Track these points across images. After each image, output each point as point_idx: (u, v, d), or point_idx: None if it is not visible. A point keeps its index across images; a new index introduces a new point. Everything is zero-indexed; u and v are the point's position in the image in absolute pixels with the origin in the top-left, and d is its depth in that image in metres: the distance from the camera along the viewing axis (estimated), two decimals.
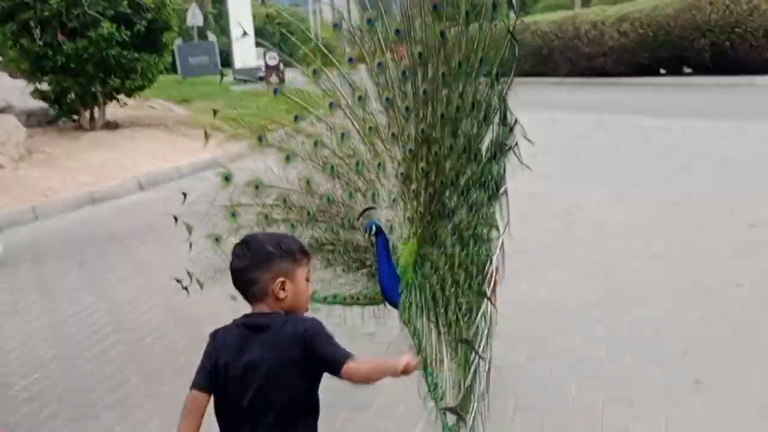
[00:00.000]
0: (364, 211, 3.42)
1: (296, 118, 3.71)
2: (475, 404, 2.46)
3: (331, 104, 3.66)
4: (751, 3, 16.71)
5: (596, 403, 3.09)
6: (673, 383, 3.22)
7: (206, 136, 4.00)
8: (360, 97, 3.58)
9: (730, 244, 5.10)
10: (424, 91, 3.32)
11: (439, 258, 3.21)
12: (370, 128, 3.57)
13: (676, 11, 18.08)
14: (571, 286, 4.53)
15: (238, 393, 1.84)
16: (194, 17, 23.36)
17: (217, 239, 3.97)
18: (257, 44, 24.27)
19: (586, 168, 8.41)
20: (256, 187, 3.79)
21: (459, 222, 3.15)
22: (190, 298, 4.77)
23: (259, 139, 3.73)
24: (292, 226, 3.80)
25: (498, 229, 2.82)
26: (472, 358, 2.55)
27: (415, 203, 3.48)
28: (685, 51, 18.52)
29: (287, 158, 3.73)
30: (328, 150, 3.68)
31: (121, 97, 12.98)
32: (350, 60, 3.63)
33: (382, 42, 3.51)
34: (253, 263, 1.92)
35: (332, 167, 3.67)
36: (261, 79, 23.38)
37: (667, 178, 7.29)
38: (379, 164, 3.59)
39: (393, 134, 3.51)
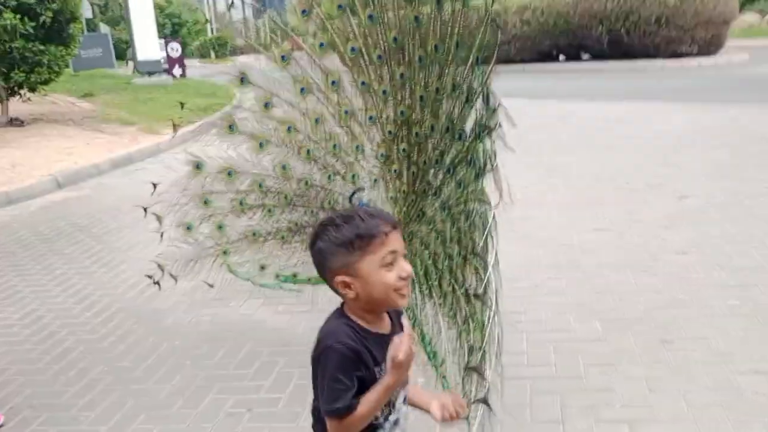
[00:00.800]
0: (354, 192, 3.46)
1: (266, 104, 3.71)
2: (493, 362, 2.60)
3: (302, 90, 3.65)
4: None
5: (578, 368, 3.27)
6: (643, 344, 3.45)
7: (174, 127, 3.93)
8: (334, 82, 3.58)
9: (665, 215, 5.45)
10: (401, 75, 3.39)
11: (429, 234, 3.34)
12: (346, 112, 3.59)
13: (575, 1, 18.89)
14: (529, 261, 4.70)
15: None
16: (83, 8, 22.22)
17: (189, 227, 3.97)
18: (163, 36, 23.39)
19: (515, 150, 8.69)
20: (229, 174, 3.80)
21: (447, 198, 3.27)
22: (144, 293, 4.65)
23: (230, 127, 3.72)
24: (269, 211, 3.83)
25: (489, 204, 2.98)
26: (487, 319, 2.74)
27: (397, 183, 3.55)
28: (583, 38, 19.40)
29: (261, 145, 3.73)
30: (303, 135, 3.69)
31: (24, 91, 12.27)
32: (321, 45, 3.60)
33: (355, 27, 3.55)
34: (315, 265, 1.69)
35: (308, 151, 3.68)
36: (166, 71, 22.71)
37: (596, 158, 7.66)
38: (358, 147, 3.62)
39: (371, 117, 3.56)
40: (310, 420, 1.72)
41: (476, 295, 2.87)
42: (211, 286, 4.17)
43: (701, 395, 2.96)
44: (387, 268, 1.59)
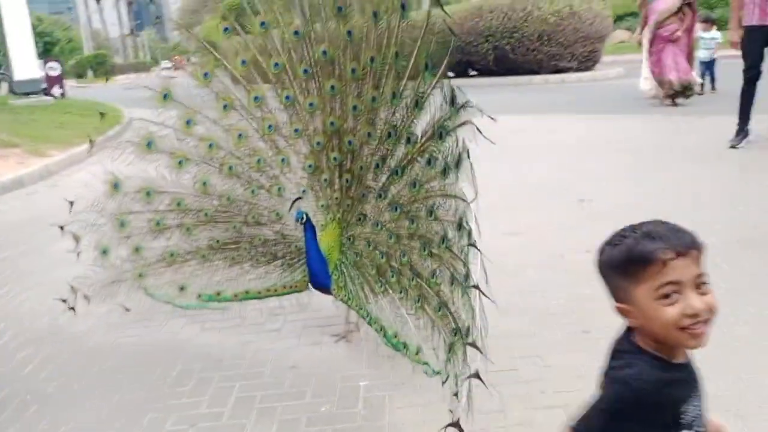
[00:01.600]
0: (294, 201, 3.48)
1: (188, 122, 3.69)
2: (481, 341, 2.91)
3: (225, 106, 3.67)
4: (525, 10, 18.65)
5: (512, 361, 3.44)
6: (567, 336, 3.67)
7: (91, 143, 3.81)
8: (257, 98, 3.64)
9: (571, 217, 5.79)
10: (332, 87, 3.46)
11: (378, 234, 3.45)
12: (270, 126, 3.64)
13: (462, 19, 19.61)
14: None
15: None
16: None
17: (105, 252, 3.87)
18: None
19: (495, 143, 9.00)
20: (147, 193, 3.74)
21: (397, 198, 3.38)
22: (58, 318, 4.44)
23: (148, 145, 3.67)
24: (188, 229, 3.79)
25: (463, 198, 3.18)
26: (473, 299, 3.04)
27: (328, 191, 3.62)
28: (470, 55, 20.13)
29: (180, 163, 3.70)
30: (225, 151, 3.70)
31: None
32: (243, 62, 3.66)
33: (278, 44, 3.60)
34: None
35: (230, 167, 3.69)
36: (45, 91, 21.61)
37: (503, 167, 7.95)
38: (283, 159, 3.67)
39: (296, 130, 3.61)
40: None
41: (458, 281, 3.09)
42: (128, 309, 4.08)
43: None
44: (665, 301, 1.36)
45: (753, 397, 2.97)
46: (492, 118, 3.06)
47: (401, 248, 3.39)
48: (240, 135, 3.66)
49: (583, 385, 3.14)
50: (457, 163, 3.17)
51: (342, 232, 3.61)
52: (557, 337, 3.65)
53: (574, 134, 10.20)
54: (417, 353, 3.24)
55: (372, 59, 3.34)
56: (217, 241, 3.80)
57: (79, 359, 3.94)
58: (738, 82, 7.80)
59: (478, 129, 3.07)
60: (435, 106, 3.19)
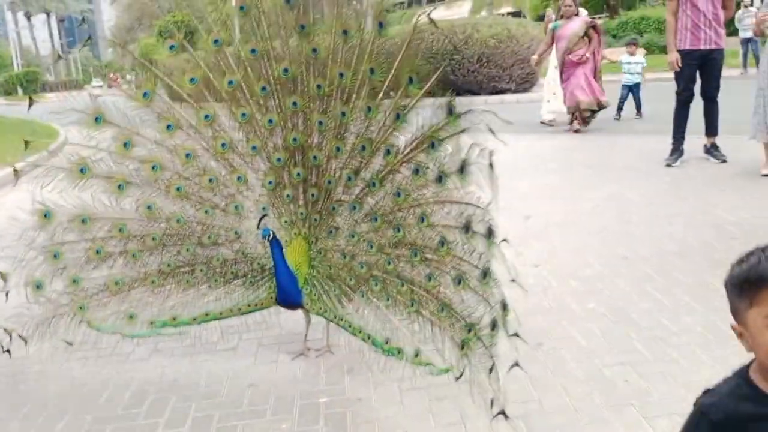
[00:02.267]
0: (261, 219, 3.48)
1: (126, 144, 3.55)
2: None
3: (169, 126, 3.58)
4: (465, 33, 19.07)
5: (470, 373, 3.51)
6: (522, 348, 3.75)
7: (16, 172, 3.63)
8: (207, 116, 3.57)
9: (516, 234, 5.92)
10: (294, 103, 3.48)
11: (356, 245, 3.49)
12: (224, 144, 3.60)
13: (403, 41, 19.85)
14: None
15: None
16: None
17: (39, 286, 3.62)
18: None
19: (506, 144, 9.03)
20: (83, 221, 3.57)
21: (378, 209, 3.42)
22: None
23: (81, 170, 3.49)
24: (133, 255, 3.64)
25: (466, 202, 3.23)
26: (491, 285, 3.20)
27: (292, 207, 3.63)
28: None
29: (119, 187, 3.56)
30: (170, 172, 3.60)
31: None
32: (192, 80, 3.58)
33: (231, 61, 3.59)
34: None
35: (178, 188, 3.60)
36: None
37: None
38: (239, 177, 3.64)
39: (254, 147, 3.60)
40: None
41: (466, 281, 3.23)
42: (70, 344, 3.87)
43: (578, 387, 3.31)
44: None
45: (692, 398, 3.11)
46: (505, 120, 3.19)
47: (385, 257, 3.42)
48: (188, 155, 3.56)
49: (540, 395, 3.27)
50: (461, 169, 3.18)
51: (310, 246, 3.63)
52: (512, 350, 3.73)
53: (511, 153, 10.42)
54: (416, 356, 3.30)
55: (341, 75, 3.40)
56: (168, 265, 3.66)
57: (22, 385, 3.81)
58: (666, 103, 8.16)
59: (491, 131, 3.14)
60: (423, 117, 3.23)
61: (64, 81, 72.11)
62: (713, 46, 7.63)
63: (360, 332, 3.47)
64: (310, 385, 3.53)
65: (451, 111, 3.17)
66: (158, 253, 3.68)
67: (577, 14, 11.12)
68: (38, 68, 63.61)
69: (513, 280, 3.38)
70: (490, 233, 3.20)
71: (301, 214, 3.62)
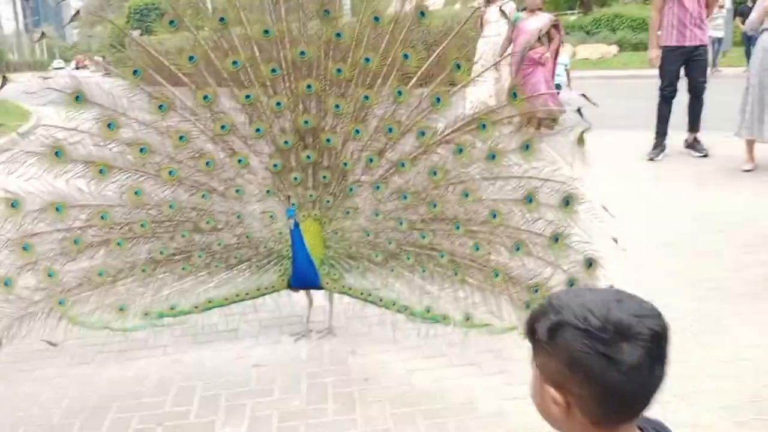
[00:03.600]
0: (289, 198, 3.50)
1: (110, 125, 3.42)
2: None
3: (162, 107, 3.47)
4: (446, 25, 19.12)
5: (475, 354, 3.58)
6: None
7: None
8: (206, 97, 3.49)
9: None
10: (309, 86, 3.48)
11: (382, 222, 3.58)
12: (224, 126, 3.53)
13: (449, 28, 19.85)
14: None
15: None
16: None
17: (7, 283, 3.40)
18: None
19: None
20: (57, 209, 3.39)
21: (408, 187, 3.51)
22: None
23: (56, 154, 3.34)
24: (118, 245, 3.50)
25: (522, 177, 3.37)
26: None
27: (299, 190, 3.63)
28: None
29: (101, 171, 3.42)
30: (161, 155, 3.50)
31: None
32: (191, 59, 3.48)
33: (236, 41, 3.54)
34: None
35: (170, 172, 3.50)
36: None
37: None
38: (240, 160, 3.60)
39: (257, 130, 3.57)
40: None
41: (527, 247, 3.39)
42: (53, 344, 3.59)
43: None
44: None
45: (684, 382, 3.22)
46: (593, 103, 3.29)
47: (418, 232, 3.50)
48: (182, 137, 3.47)
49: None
50: (526, 146, 3.33)
51: (322, 228, 3.65)
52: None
53: None
54: (467, 319, 3.45)
55: (367, 59, 3.42)
56: (161, 252, 3.56)
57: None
58: (642, 100, 8.23)
59: (579, 113, 3.27)
60: (471, 100, 3.39)
61: (29, 61, 70.41)
62: (698, 43, 7.78)
63: (394, 305, 3.56)
64: (315, 365, 3.56)
65: (515, 95, 3.31)
66: (148, 241, 3.55)
67: (541, 9, 10.10)
68: (2, 47, 62.00)
69: (615, 240, 3.49)
70: (567, 202, 3.32)
71: (311, 196, 3.63)
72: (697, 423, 2.92)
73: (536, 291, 3.33)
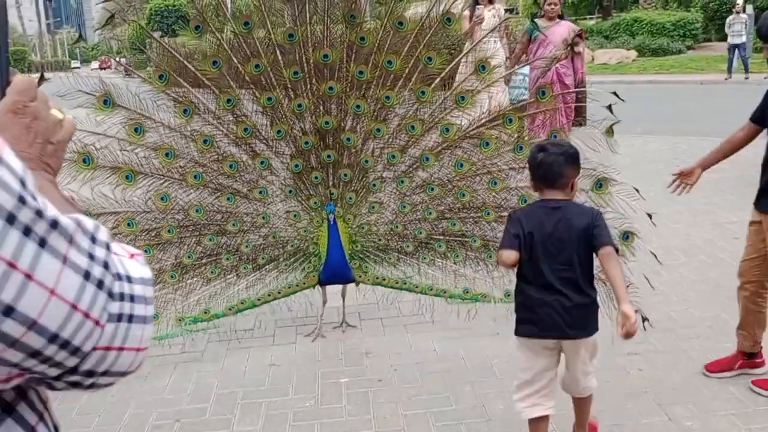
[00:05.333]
0: (330, 195, 3.64)
1: (137, 129, 3.47)
2: None
3: (186, 111, 3.52)
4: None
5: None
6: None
7: None
8: (229, 100, 3.54)
9: None
10: (330, 88, 3.52)
11: (409, 214, 3.70)
12: (246, 129, 3.58)
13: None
14: None
15: (545, 250, 2.49)
16: None
17: None
18: None
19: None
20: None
21: (434, 180, 3.63)
22: None
23: (84, 160, 3.37)
24: (146, 252, 3.49)
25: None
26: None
27: (321, 189, 3.69)
28: None
29: (128, 177, 3.47)
30: (185, 159, 3.54)
31: None
32: (215, 63, 3.53)
33: (258, 45, 3.57)
34: (566, 159, 2.49)
35: (196, 176, 3.55)
36: None
37: None
38: (263, 162, 3.65)
39: (279, 131, 3.63)
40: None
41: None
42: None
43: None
44: None
45: (704, 388, 3.21)
46: (621, 99, 3.38)
47: (447, 220, 3.64)
48: (206, 140, 3.51)
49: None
50: (554, 136, 3.44)
51: (347, 224, 3.71)
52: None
53: None
54: (507, 296, 3.57)
55: (390, 62, 3.48)
56: (189, 257, 3.60)
57: None
58: (665, 105, 8.21)
59: (609, 109, 3.37)
60: (496, 98, 3.54)
61: (50, 62, 71.26)
62: None
63: (430, 290, 3.70)
64: (329, 365, 3.59)
65: (543, 92, 3.47)
66: (175, 246, 3.58)
67: (561, 16, 8.42)
68: (24, 47, 62.77)
69: (650, 215, 3.68)
70: (600, 184, 3.44)
71: (332, 194, 3.68)
72: (708, 428, 2.92)
73: None
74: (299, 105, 3.57)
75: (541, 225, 2.50)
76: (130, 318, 0.80)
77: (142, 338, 0.83)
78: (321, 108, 3.59)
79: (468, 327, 3.87)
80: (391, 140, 3.62)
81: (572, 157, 2.52)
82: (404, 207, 3.68)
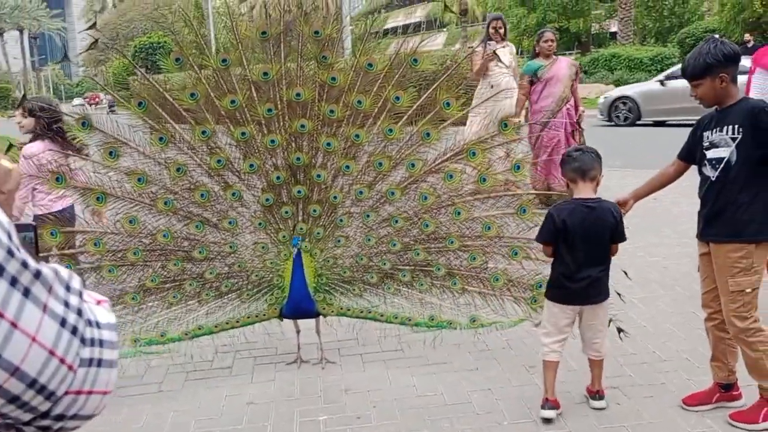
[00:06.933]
0: (294, 227, 3.66)
1: (111, 153, 3.56)
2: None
3: (162, 139, 3.62)
4: (444, 64, 19.42)
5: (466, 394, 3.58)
6: (515, 373, 3.85)
7: None
8: (204, 132, 3.64)
9: None
10: (302, 125, 3.59)
11: (374, 247, 3.75)
12: (219, 161, 3.67)
13: (444, 71, 20.15)
14: None
15: (583, 240, 3.15)
16: None
17: None
18: None
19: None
20: (52, 234, 3.51)
21: (399, 213, 3.71)
22: None
23: (57, 179, 3.49)
24: (109, 272, 3.58)
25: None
26: None
27: (290, 223, 3.72)
28: None
29: (98, 199, 3.56)
30: (157, 186, 3.62)
31: None
32: (192, 95, 3.64)
33: (235, 82, 3.67)
34: (596, 156, 3.22)
35: (166, 203, 3.62)
36: None
37: None
38: (234, 194, 3.71)
39: (251, 165, 3.69)
40: None
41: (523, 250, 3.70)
42: None
43: (572, 408, 3.40)
44: None
45: (682, 421, 3.22)
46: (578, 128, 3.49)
47: (412, 251, 3.69)
48: (179, 169, 3.61)
49: (534, 414, 3.34)
50: (517, 167, 3.65)
51: (313, 258, 3.73)
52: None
53: None
54: (473, 321, 3.68)
55: (359, 102, 3.56)
56: (152, 281, 3.64)
57: None
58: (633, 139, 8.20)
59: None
60: (461, 133, 3.64)
61: (34, 98, 70.85)
62: None
63: (396, 318, 3.72)
64: (308, 403, 3.57)
65: (505, 125, 3.60)
66: (139, 269, 3.64)
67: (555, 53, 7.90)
68: (9, 84, 62.66)
69: (625, 273, 3.89)
70: (518, 167, 3.59)
71: (301, 229, 3.72)
72: None
73: (540, 286, 3.54)
74: (272, 141, 3.65)
75: (583, 222, 3.14)
76: (99, 362, 0.82)
77: (109, 382, 0.85)
78: (293, 144, 3.66)
79: (447, 362, 3.89)
80: (359, 177, 3.70)
81: (599, 157, 3.23)
82: (369, 240, 3.75)
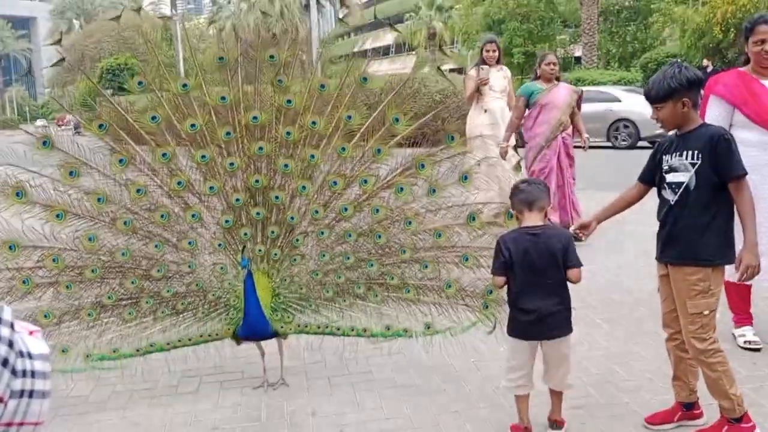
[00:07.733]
0: (243, 248, 3.63)
1: (72, 173, 3.59)
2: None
3: (122, 160, 3.66)
4: (413, 87, 19.61)
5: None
6: (475, 391, 3.87)
7: None
8: (165, 154, 3.69)
9: None
10: (260, 148, 3.64)
11: (329, 263, 3.79)
12: (180, 182, 3.70)
13: (392, 88, 20.33)
14: None
15: (530, 270, 3.07)
16: None
17: None
18: None
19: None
20: (11, 248, 3.50)
21: (354, 228, 3.76)
22: None
23: (17, 194, 3.49)
24: (67, 287, 3.58)
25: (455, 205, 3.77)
26: None
27: (249, 245, 3.74)
28: None
29: (58, 216, 3.56)
30: (117, 206, 3.65)
31: None
32: (154, 118, 3.69)
33: (195, 106, 3.72)
34: (542, 189, 3.19)
35: (125, 222, 3.64)
36: None
37: None
38: (194, 215, 3.73)
39: (211, 187, 3.71)
40: None
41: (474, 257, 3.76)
42: None
43: (536, 430, 3.43)
44: None
45: None
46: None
47: (366, 263, 3.73)
48: (139, 190, 3.65)
49: None
50: (465, 178, 3.72)
51: (271, 279, 3.76)
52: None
53: None
54: (428, 328, 3.73)
55: (314, 122, 3.62)
56: (109, 297, 3.66)
57: None
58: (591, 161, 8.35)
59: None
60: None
61: None
62: None
63: (352, 330, 3.73)
64: (274, 427, 3.54)
65: (452, 138, 3.71)
66: (97, 286, 3.65)
67: (558, 78, 7.37)
68: None
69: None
70: (510, 215, 3.54)
71: (259, 251, 3.74)
72: None
73: (491, 292, 3.62)
74: (231, 163, 3.69)
75: (525, 251, 3.06)
76: (31, 393, 0.81)
77: (41, 412, 0.84)
78: (252, 167, 3.72)
79: (415, 384, 3.89)
80: (315, 197, 3.76)
81: (547, 188, 3.24)
82: (324, 256, 3.79)
